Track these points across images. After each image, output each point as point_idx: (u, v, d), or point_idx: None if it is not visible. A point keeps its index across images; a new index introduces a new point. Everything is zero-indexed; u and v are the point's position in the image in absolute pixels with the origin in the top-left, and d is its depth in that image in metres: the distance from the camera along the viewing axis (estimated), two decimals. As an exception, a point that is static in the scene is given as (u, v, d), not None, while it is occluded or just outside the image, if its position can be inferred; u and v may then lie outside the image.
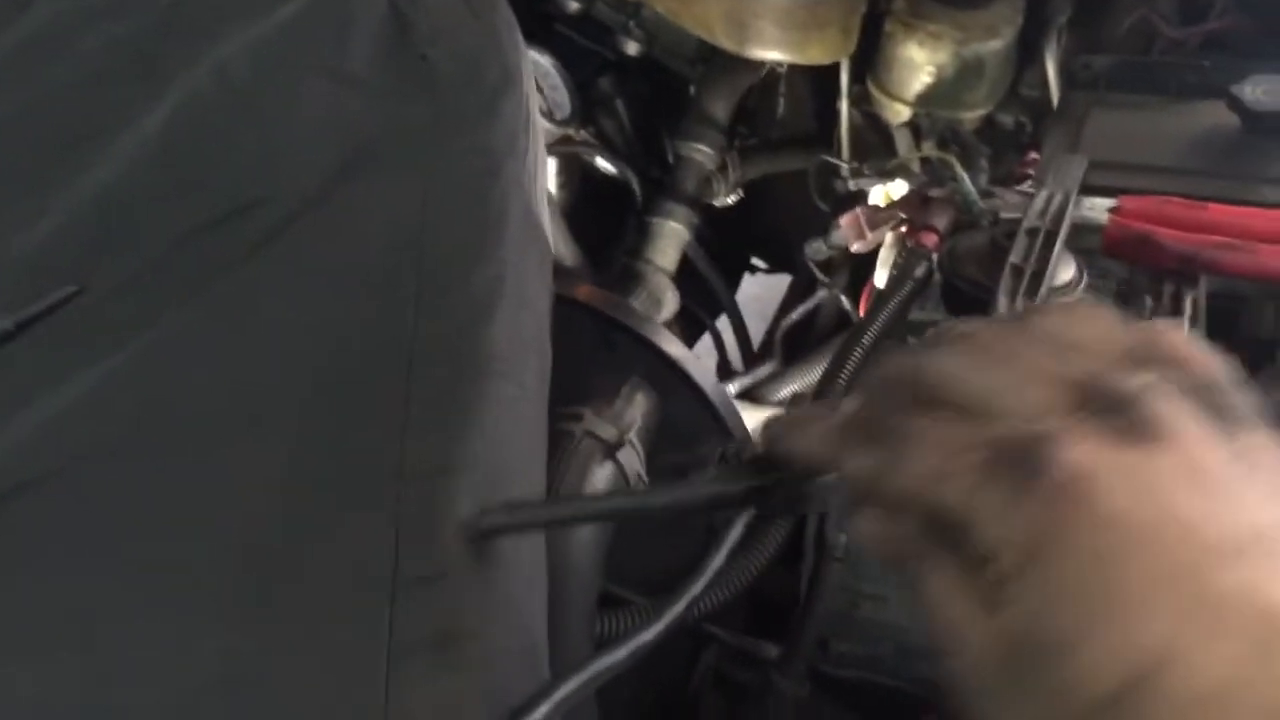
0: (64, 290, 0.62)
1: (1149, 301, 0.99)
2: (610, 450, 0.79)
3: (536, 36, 1.51)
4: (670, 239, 1.50)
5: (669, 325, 1.48)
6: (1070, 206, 0.94)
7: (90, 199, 0.67)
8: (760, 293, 2.03)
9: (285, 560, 0.53)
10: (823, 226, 1.48)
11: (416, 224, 0.64)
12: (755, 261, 2.12)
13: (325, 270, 0.63)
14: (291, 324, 0.61)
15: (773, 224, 1.92)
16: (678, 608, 0.70)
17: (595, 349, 0.87)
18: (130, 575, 0.53)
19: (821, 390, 0.93)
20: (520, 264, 0.65)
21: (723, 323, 1.83)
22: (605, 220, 1.63)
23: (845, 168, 1.47)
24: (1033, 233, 0.93)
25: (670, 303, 1.44)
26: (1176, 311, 0.97)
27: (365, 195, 0.66)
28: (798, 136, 1.71)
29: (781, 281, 2.10)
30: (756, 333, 1.83)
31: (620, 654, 0.61)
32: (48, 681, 0.50)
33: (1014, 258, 0.90)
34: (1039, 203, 0.96)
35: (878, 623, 0.97)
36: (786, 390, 1.53)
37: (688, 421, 0.88)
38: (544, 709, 0.52)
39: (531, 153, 0.73)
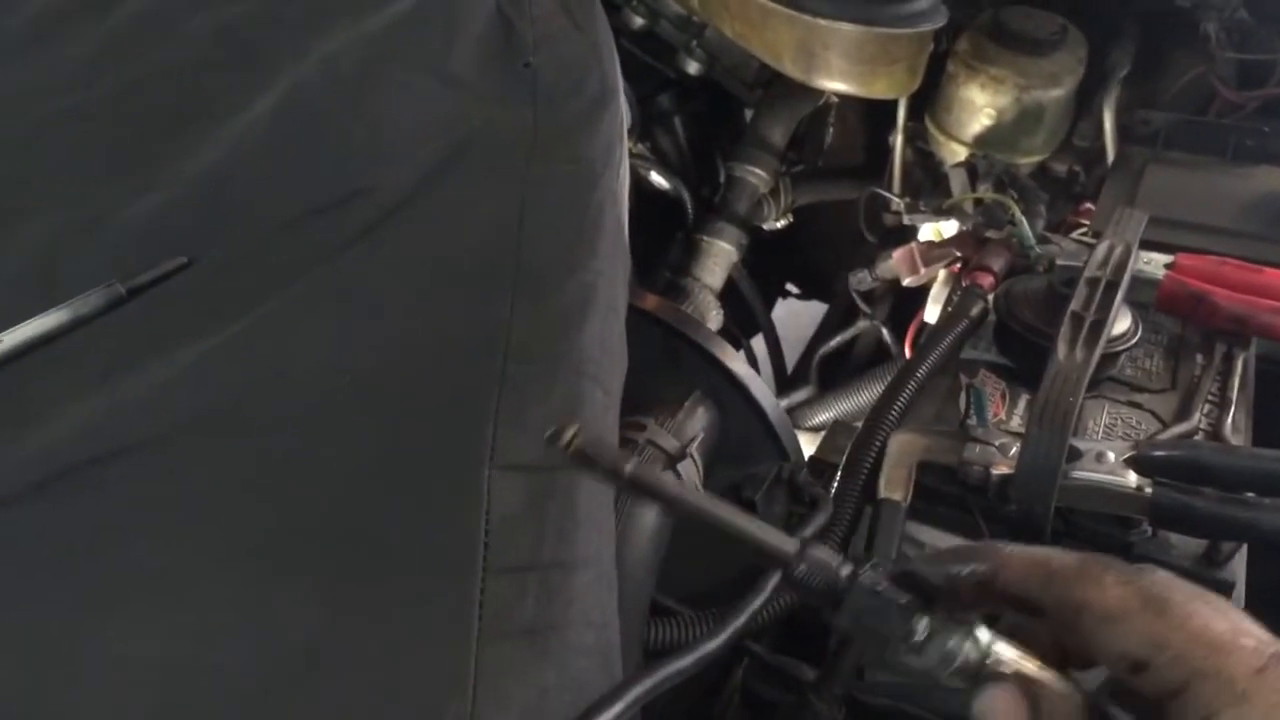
0: (175, 261, 0.64)
1: (1200, 359, 1.01)
2: (671, 461, 0.81)
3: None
4: (719, 258, 1.51)
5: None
6: (1132, 259, 0.96)
7: (199, 177, 0.69)
8: (784, 317, 2.04)
9: (376, 540, 0.55)
10: (862, 258, 1.50)
11: (514, 226, 0.66)
12: (788, 288, 2.14)
13: (424, 263, 0.65)
14: (391, 312, 0.63)
15: (811, 252, 1.94)
16: (740, 620, 0.71)
17: (659, 359, 0.89)
18: (224, 543, 0.55)
19: (874, 421, 0.94)
20: (611, 273, 0.67)
21: (756, 344, 1.85)
22: (654, 235, 1.65)
23: (897, 202, 1.49)
24: (1093, 282, 0.94)
25: (715, 321, 1.46)
26: (1227, 371, 0.98)
27: (465, 194, 0.68)
28: (844, 167, 1.74)
29: (804, 308, 2.12)
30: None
31: (687, 661, 0.62)
32: (141, 637, 0.52)
33: (1074, 305, 0.92)
34: (1100, 252, 0.97)
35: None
36: (822, 416, 1.54)
37: (745, 438, 0.90)
38: (618, 707, 0.53)
39: (623, 166, 0.74)
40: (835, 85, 1.34)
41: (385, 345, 0.61)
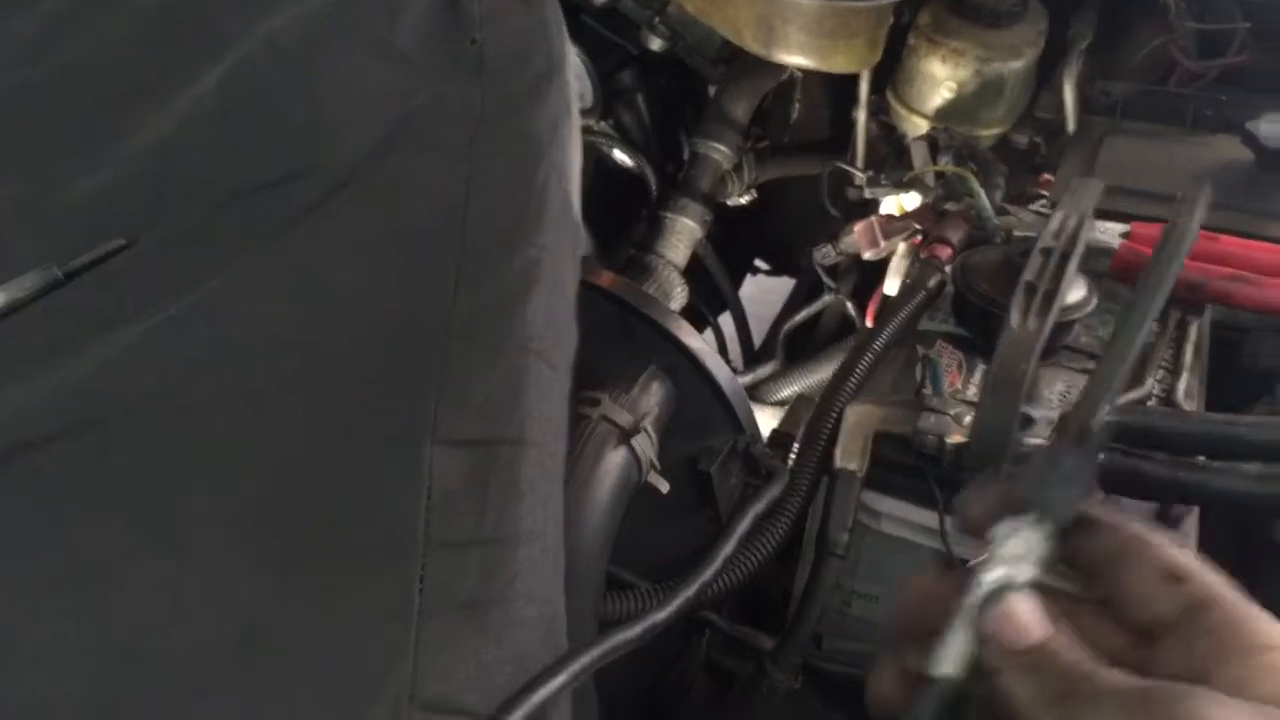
0: (113, 243, 0.63)
1: (1155, 328, 1.01)
2: (625, 436, 0.81)
3: (562, 26, 1.52)
4: (683, 234, 1.51)
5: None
6: (1086, 229, 0.96)
7: (142, 156, 0.69)
8: (756, 294, 2.05)
9: (317, 517, 0.55)
10: (829, 233, 1.50)
11: (460, 201, 0.66)
12: (756, 264, 2.14)
13: (369, 240, 0.65)
14: (335, 290, 0.63)
15: (779, 227, 1.94)
16: (690, 591, 0.72)
17: (614, 336, 0.89)
18: (166, 523, 0.55)
19: (831, 393, 0.95)
20: (557, 249, 0.67)
21: (724, 321, 1.85)
22: (617, 212, 1.65)
23: (860, 176, 1.49)
24: (1047, 252, 0.94)
25: (679, 298, 1.46)
26: (1181, 338, 0.99)
27: (410, 170, 0.68)
28: (810, 142, 1.74)
29: (774, 284, 2.12)
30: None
31: (635, 631, 0.63)
32: (80, 619, 0.52)
33: (1028, 275, 0.92)
34: (1055, 223, 0.98)
35: (869, 621, 0.99)
36: (787, 391, 1.54)
37: (701, 412, 0.90)
38: (563, 677, 0.54)
39: (571, 141, 0.74)
40: (795, 60, 1.34)
41: (328, 323, 0.61)
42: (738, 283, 1.99)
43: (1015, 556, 0.46)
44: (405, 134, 0.70)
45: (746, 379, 1.60)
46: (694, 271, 1.60)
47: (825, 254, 1.45)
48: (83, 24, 0.81)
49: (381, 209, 0.67)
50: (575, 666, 0.55)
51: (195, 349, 0.59)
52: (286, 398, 0.58)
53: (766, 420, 1.11)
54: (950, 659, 0.44)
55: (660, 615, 0.65)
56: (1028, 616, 0.43)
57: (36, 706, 0.48)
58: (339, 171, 0.67)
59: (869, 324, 1.40)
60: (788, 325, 1.67)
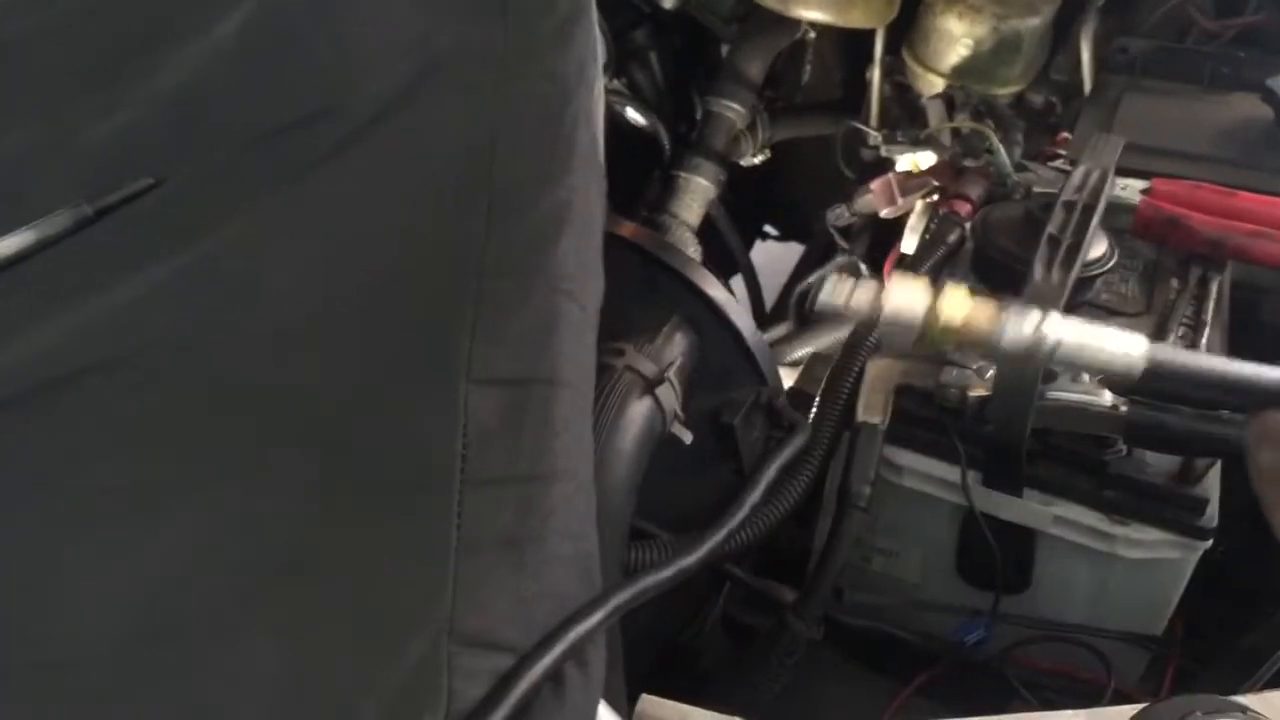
0: (142, 181, 0.63)
1: (1175, 283, 1.01)
2: (650, 386, 0.81)
3: (575, -18, 1.51)
4: (696, 194, 1.50)
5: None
6: (1108, 183, 0.96)
7: (166, 96, 0.68)
8: (764, 262, 2.04)
9: (353, 454, 0.55)
10: (841, 195, 1.49)
11: (488, 143, 0.65)
12: (765, 230, 2.13)
13: (398, 180, 0.64)
14: (364, 230, 0.62)
15: (790, 191, 1.93)
16: (718, 537, 0.72)
17: (638, 286, 0.88)
18: (198, 458, 0.55)
19: (852, 347, 0.95)
20: (585, 190, 0.66)
21: (734, 285, 1.85)
22: (630, 171, 1.64)
23: (874, 135, 1.48)
24: (1070, 206, 0.94)
25: (693, 257, 1.45)
26: (1202, 295, 0.99)
27: (438, 111, 0.67)
28: (822, 102, 1.72)
29: (782, 253, 2.11)
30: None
31: (666, 573, 0.63)
32: (120, 552, 0.52)
33: (1051, 228, 0.92)
34: (1077, 177, 0.97)
35: (888, 576, 1.00)
36: (801, 351, 1.54)
37: (724, 364, 0.90)
38: (600, 615, 0.54)
39: (597, 85, 0.74)
40: (812, 14, 1.32)
41: (358, 263, 0.61)
42: (747, 247, 1.97)
43: None
44: (431, 75, 0.69)
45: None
46: (703, 234, 1.59)
47: (839, 215, 1.45)
48: (101, -35, 0.81)
49: (409, 149, 0.66)
50: (612, 604, 0.54)
51: (225, 287, 0.59)
52: (319, 338, 0.58)
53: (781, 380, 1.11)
54: None
55: (690, 559, 0.65)
56: None
57: (82, 635, 0.48)
58: (365, 112, 0.67)
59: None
60: (800, 286, 1.66)
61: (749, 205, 1.89)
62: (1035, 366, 0.52)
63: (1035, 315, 0.52)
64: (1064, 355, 0.54)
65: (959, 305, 0.51)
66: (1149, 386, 0.75)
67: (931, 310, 0.50)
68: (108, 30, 0.77)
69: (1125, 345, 0.55)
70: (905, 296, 0.50)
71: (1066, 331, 0.54)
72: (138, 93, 0.69)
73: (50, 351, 0.57)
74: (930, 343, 0.49)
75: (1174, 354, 0.53)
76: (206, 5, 0.74)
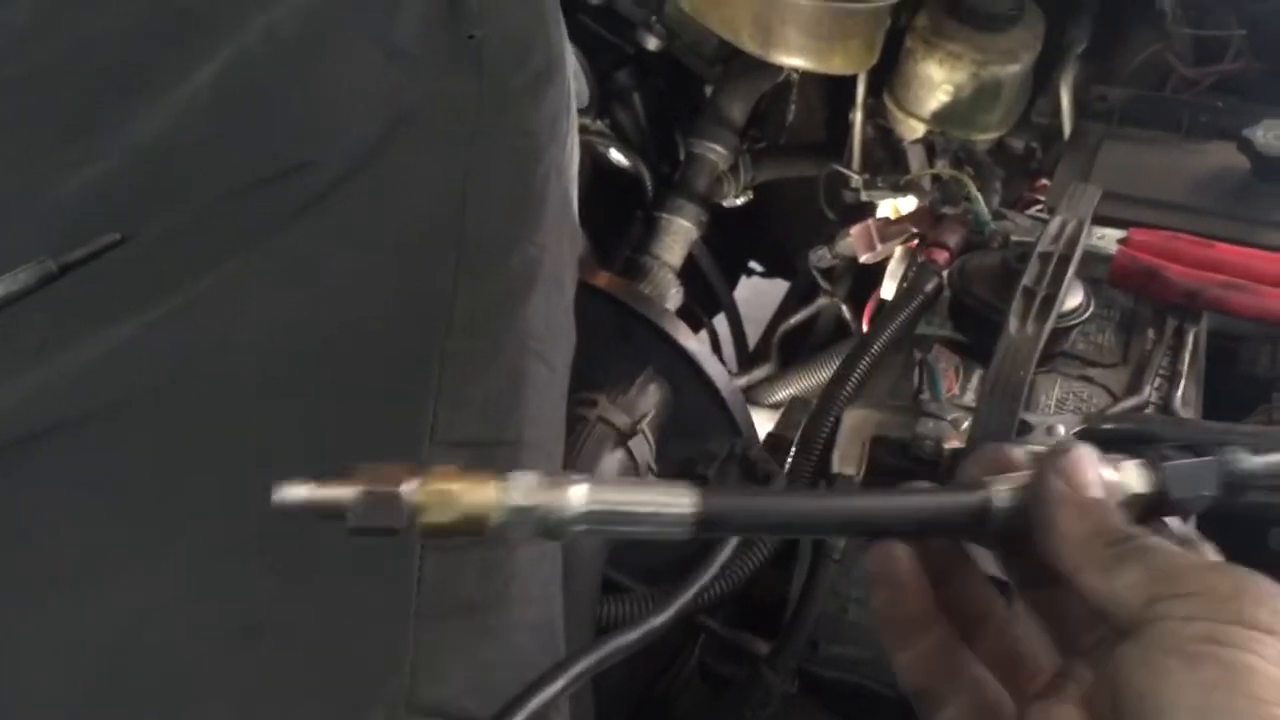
0: (109, 237, 0.62)
1: (1151, 334, 1.01)
2: (623, 438, 0.81)
3: (559, 24, 1.52)
4: (678, 235, 1.51)
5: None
6: (1084, 234, 0.96)
7: (137, 149, 0.68)
8: (749, 296, 2.04)
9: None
10: (824, 235, 1.50)
11: (458, 198, 0.65)
12: (750, 265, 2.14)
13: (367, 237, 0.64)
14: (332, 286, 0.62)
15: (774, 229, 1.94)
16: (687, 595, 0.71)
17: (612, 337, 0.88)
18: (162, 518, 0.54)
19: (828, 397, 0.94)
20: (556, 247, 0.66)
21: (718, 323, 1.85)
22: (612, 212, 1.64)
23: (856, 179, 1.48)
24: (1045, 257, 0.94)
25: (674, 299, 1.46)
26: (1179, 345, 0.99)
27: (408, 166, 0.67)
28: (806, 144, 1.73)
29: (769, 287, 2.12)
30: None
31: (632, 636, 0.62)
32: (78, 616, 0.51)
33: (1026, 280, 0.92)
34: (1053, 228, 0.97)
35: (864, 627, 0.99)
36: (783, 393, 1.54)
37: (699, 415, 0.90)
38: (561, 682, 0.53)
39: (570, 139, 0.74)
40: (793, 61, 1.33)
41: (327, 320, 0.61)
42: (732, 284, 1.98)
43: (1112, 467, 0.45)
44: (403, 129, 0.69)
45: (741, 381, 1.60)
46: (688, 273, 1.59)
47: (821, 256, 1.45)
48: (75, 16, 0.81)
49: (379, 205, 0.66)
50: (574, 671, 0.54)
51: (191, 345, 0.59)
52: (283, 395, 0.58)
53: (761, 422, 1.11)
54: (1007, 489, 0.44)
55: (658, 620, 0.64)
56: (1095, 474, 0.43)
57: (34, 702, 0.47)
58: (337, 166, 0.67)
59: (865, 328, 1.39)
60: (782, 328, 1.66)
61: (732, 243, 1.89)
62: (564, 540, 0.40)
63: (547, 488, 0.41)
64: (597, 520, 0.41)
65: (447, 485, 0.37)
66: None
67: (415, 497, 0.38)
68: (85, 81, 0.77)
69: (669, 498, 0.42)
70: (380, 486, 0.38)
71: (592, 495, 0.41)
72: (110, 144, 0.69)
73: (14, 410, 0.57)
74: (430, 532, 0.38)
75: (728, 500, 0.42)
76: (182, 56, 0.74)
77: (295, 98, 0.71)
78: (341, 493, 0.40)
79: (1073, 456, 0.44)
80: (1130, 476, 0.45)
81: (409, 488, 0.40)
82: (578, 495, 0.40)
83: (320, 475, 0.38)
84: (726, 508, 0.42)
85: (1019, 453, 0.47)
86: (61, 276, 0.62)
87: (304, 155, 0.67)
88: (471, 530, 0.40)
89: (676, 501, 0.41)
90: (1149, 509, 0.46)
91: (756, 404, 1.54)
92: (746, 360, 1.77)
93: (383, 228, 0.65)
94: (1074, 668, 0.44)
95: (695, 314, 1.76)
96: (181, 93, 0.71)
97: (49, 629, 0.51)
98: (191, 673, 0.49)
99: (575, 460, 0.78)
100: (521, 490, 0.41)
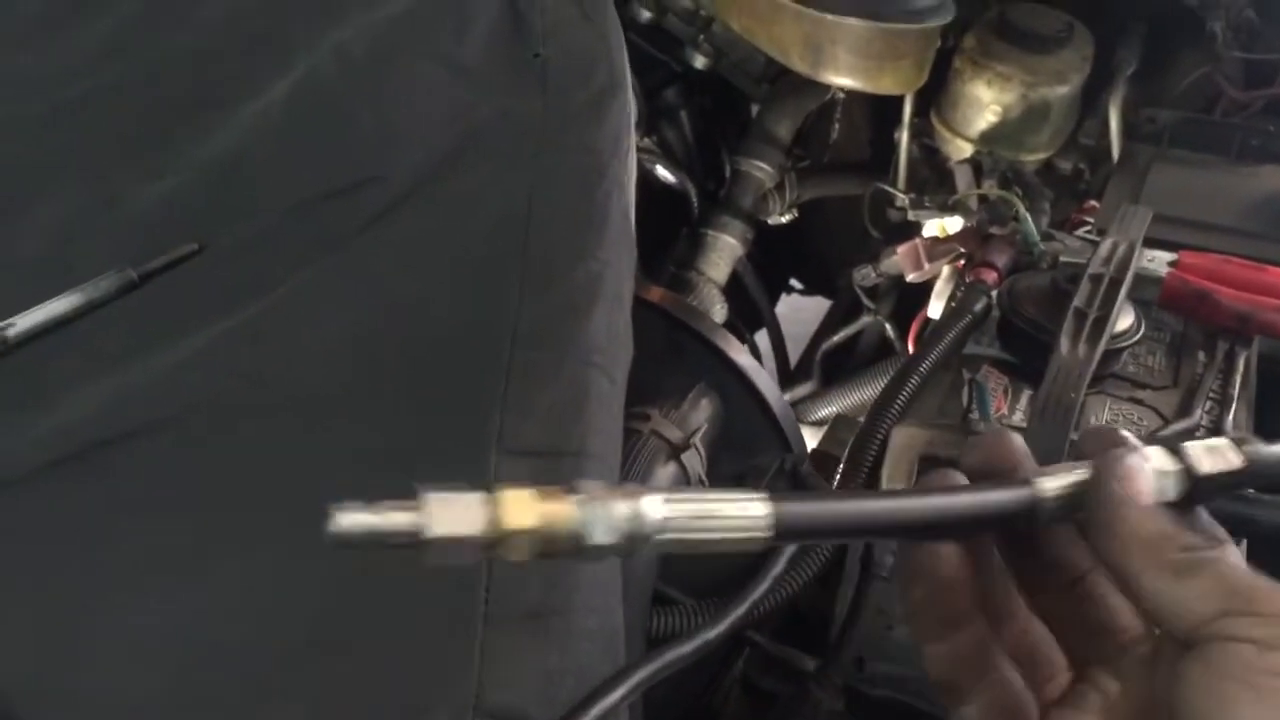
0: (186, 247, 0.64)
1: (1202, 357, 1.01)
2: (675, 452, 0.82)
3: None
4: (724, 252, 1.52)
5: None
6: (1135, 256, 0.96)
7: (211, 163, 0.70)
8: (786, 313, 2.05)
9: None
10: (867, 254, 1.50)
11: (523, 214, 0.66)
12: (791, 283, 2.14)
13: (434, 249, 0.66)
14: (400, 299, 0.63)
15: (816, 247, 1.95)
16: (741, 609, 0.72)
17: (664, 351, 0.89)
18: (233, 523, 0.56)
19: (877, 415, 0.95)
20: (618, 263, 0.68)
21: (759, 339, 1.85)
22: (659, 229, 1.65)
23: (902, 198, 1.49)
24: (1096, 279, 0.94)
25: (719, 315, 1.47)
26: (1229, 369, 0.99)
27: (474, 182, 0.69)
28: (850, 163, 1.74)
29: (805, 304, 2.12)
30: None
31: (687, 648, 0.63)
32: (154, 615, 0.52)
33: (1078, 301, 0.92)
34: (1104, 249, 0.98)
35: (910, 645, 0.99)
36: (825, 411, 1.54)
37: (749, 430, 0.90)
38: (621, 690, 0.54)
39: (630, 156, 0.75)
40: (842, 80, 1.34)
41: (395, 332, 0.62)
42: (773, 301, 1.99)
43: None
44: (470, 146, 0.70)
45: (785, 398, 1.60)
46: (730, 289, 1.60)
47: (865, 275, 1.46)
48: (149, 35, 0.83)
49: (446, 219, 0.67)
50: (634, 680, 0.55)
51: (265, 354, 0.60)
52: (354, 404, 0.59)
53: (804, 440, 1.11)
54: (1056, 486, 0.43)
55: (712, 633, 0.65)
56: (1147, 483, 0.42)
57: (115, 698, 0.49)
58: (405, 182, 0.68)
59: (910, 346, 1.40)
60: (825, 345, 1.67)
61: (775, 260, 1.90)
62: (643, 554, 0.40)
63: (624, 500, 0.39)
64: (675, 530, 0.40)
65: (524, 508, 0.36)
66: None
67: (492, 521, 0.36)
68: (158, 96, 0.79)
69: (743, 506, 0.41)
70: (453, 514, 0.36)
71: (668, 507, 0.41)
72: (184, 159, 0.71)
73: (98, 413, 0.59)
74: (510, 554, 0.37)
75: (801, 506, 0.42)
76: (254, 74, 0.76)
77: (364, 115, 0.73)
78: (409, 519, 0.36)
79: (1132, 461, 0.43)
80: (1160, 462, 0.46)
81: (482, 514, 0.38)
82: (654, 507, 0.40)
83: (381, 502, 0.35)
84: (800, 514, 0.43)
85: (1019, 441, 0.47)
86: (141, 285, 0.63)
87: (373, 171, 0.68)
88: (549, 551, 0.40)
89: (752, 510, 0.42)
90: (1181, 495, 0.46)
91: (799, 421, 1.54)
92: (788, 377, 1.78)
93: (449, 242, 0.67)
94: (1096, 676, 0.43)
95: (738, 330, 1.77)
96: (253, 109, 0.73)
97: (127, 627, 0.52)
98: (264, 674, 0.51)
99: (629, 473, 0.79)
100: (598, 507, 0.41)
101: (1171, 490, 0.45)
